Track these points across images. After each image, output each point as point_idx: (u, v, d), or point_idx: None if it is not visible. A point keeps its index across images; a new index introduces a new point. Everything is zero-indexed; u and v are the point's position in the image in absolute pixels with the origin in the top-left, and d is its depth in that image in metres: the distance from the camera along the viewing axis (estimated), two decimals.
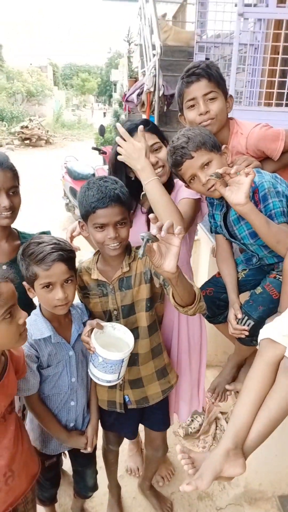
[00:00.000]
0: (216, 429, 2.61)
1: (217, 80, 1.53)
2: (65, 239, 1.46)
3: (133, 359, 1.57)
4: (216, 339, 2.43)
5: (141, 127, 1.42)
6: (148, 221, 1.66)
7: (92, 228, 1.39)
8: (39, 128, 17.52)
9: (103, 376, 1.39)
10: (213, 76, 1.51)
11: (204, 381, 1.97)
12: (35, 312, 1.46)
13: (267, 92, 2.87)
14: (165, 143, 1.60)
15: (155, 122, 4.16)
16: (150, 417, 1.77)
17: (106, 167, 5.43)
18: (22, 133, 16.86)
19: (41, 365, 1.45)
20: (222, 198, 1.47)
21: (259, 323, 1.45)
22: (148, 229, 1.67)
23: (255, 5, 2.80)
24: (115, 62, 35.37)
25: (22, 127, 17.02)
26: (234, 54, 2.74)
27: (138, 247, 1.53)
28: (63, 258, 1.33)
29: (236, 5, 2.68)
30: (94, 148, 6.47)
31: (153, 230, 1.00)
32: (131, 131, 1.49)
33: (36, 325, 1.43)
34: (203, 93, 1.51)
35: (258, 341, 1.22)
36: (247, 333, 1.51)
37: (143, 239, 0.99)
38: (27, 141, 16.87)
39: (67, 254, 1.35)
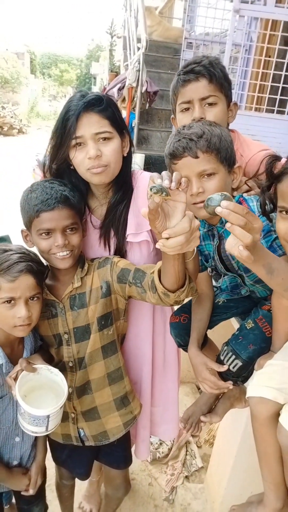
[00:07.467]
0: (186, 454, 2.42)
1: (220, 82, 1.30)
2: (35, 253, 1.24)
3: (84, 388, 1.37)
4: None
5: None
6: (104, 238, 1.37)
7: (36, 236, 1.19)
8: (11, 117, 16.82)
9: (28, 426, 1.19)
10: (216, 76, 1.28)
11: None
12: None
13: (258, 96, 2.71)
14: (123, 135, 1.26)
15: (136, 119, 3.94)
16: (108, 454, 1.55)
17: None
18: None
19: None
20: (210, 225, 1.24)
21: (247, 364, 1.24)
22: (105, 244, 1.38)
23: (252, 2, 2.62)
24: (96, 54, 34.72)
25: None
26: (226, 53, 2.56)
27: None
28: (32, 270, 1.14)
29: (232, 0, 2.50)
30: None
31: (165, 181, 0.80)
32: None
33: None
34: (201, 96, 1.28)
35: (247, 396, 1.15)
36: (231, 387, 1.31)
37: (151, 190, 0.79)
38: None
39: (37, 267, 1.17)
